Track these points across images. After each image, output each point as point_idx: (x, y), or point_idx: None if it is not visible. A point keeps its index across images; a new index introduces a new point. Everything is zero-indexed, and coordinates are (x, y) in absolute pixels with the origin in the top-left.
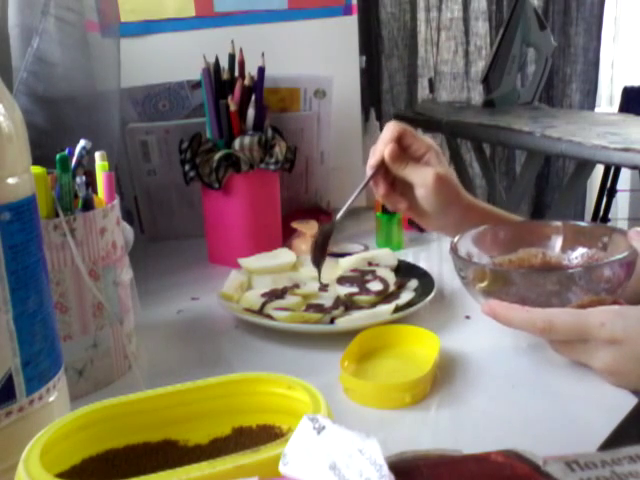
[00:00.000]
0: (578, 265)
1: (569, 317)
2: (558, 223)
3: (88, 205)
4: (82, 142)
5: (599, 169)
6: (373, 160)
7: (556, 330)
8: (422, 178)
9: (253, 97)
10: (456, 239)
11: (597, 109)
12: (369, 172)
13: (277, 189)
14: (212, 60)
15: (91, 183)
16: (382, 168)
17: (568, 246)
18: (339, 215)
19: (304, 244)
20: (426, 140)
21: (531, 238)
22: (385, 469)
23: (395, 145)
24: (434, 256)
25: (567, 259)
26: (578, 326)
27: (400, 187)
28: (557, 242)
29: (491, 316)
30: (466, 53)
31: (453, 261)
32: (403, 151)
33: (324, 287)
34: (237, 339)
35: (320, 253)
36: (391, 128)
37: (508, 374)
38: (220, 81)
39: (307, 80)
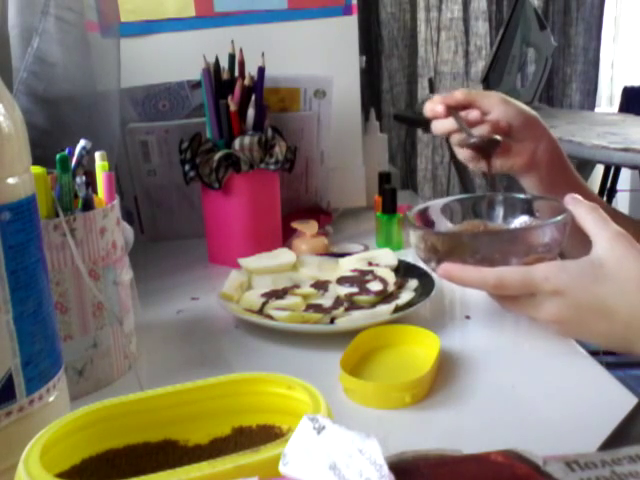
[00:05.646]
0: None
1: (517, 274)
2: (499, 196)
3: (88, 205)
4: (82, 142)
5: (599, 169)
6: (448, 99)
7: (506, 286)
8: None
9: (253, 97)
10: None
11: (597, 109)
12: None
13: (277, 189)
14: (212, 60)
15: (91, 183)
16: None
17: (509, 216)
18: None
19: (304, 244)
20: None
21: (476, 211)
22: (385, 469)
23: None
24: None
25: (507, 227)
26: (525, 281)
27: None
28: (499, 213)
29: (446, 278)
30: (466, 53)
31: (410, 236)
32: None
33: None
34: (237, 339)
35: (488, 167)
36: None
37: (508, 374)
38: (220, 81)
39: (307, 80)
